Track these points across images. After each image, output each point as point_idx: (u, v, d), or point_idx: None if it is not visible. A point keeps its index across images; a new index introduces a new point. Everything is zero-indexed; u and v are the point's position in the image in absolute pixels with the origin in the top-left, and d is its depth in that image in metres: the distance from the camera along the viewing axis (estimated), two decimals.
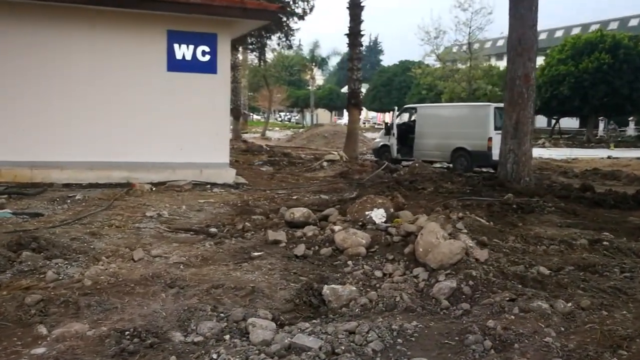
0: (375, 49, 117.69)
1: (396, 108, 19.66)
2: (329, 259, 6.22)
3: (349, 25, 16.73)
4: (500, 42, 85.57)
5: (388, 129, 18.88)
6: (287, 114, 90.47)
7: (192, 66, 11.09)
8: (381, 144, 19.46)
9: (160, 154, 10.79)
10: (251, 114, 69.50)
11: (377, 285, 5.48)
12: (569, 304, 4.56)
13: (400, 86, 65.36)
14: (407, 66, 59.51)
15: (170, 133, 11.01)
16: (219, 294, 4.82)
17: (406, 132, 18.68)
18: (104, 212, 7.88)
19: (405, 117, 19.55)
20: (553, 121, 51.26)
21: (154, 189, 10.10)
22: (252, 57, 33.73)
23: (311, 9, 22.40)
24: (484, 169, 16.58)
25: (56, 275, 5.08)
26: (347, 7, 16.29)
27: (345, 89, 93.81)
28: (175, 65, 11.00)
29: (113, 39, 10.65)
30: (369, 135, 36.29)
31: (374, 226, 6.92)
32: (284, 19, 22.00)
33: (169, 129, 11.00)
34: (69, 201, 8.55)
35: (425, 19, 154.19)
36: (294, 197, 10.61)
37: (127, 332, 3.87)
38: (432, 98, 43.24)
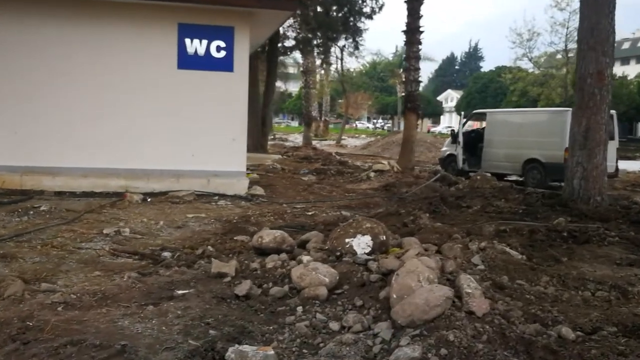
0: (475, 55, 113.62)
1: (462, 114, 17.71)
2: (277, 301, 4.76)
3: (406, 21, 15.10)
4: (626, 45, 79.90)
5: (454, 136, 16.98)
6: (380, 120, 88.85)
7: (205, 63, 9.98)
8: (447, 153, 17.58)
9: (164, 161, 9.74)
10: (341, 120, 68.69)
11: (322, 344, 3.99)
12: None
13: (496, 93, 62.10)
14: (503, 72, 56.33)
15: (178, 138, 9.94)
16: (70, 355, 3.51)
17: (474, 141, 16.72)
18: (58, 228, 6.83)
19: (475, 124, 17.58)
20: None
21: (149, 199, 9.03)
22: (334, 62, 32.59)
23: (380, 8, 20.90)
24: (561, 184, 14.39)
25: None
26: (405, 1, 14.65)
27: (441, 96, 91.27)
28: (186, 62, 9.92)
29: (115, 33, 9.74)
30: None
31: (352, 258, 5.38)
32: (351, 18, 20.66)
33: (176, 133, 9.94)
34: (31, 212, 7.59)
35: (518, 22, 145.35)
36: (310, 213, 9.20)
37: None
38: (525, 105, 40.32)
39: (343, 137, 44.46)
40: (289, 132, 53.78)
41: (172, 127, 9.92)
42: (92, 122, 9.66)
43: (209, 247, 6.24)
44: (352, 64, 72.26)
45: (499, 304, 4.63)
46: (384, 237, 5.79)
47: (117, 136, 9.71)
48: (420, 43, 14.89)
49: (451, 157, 17.11)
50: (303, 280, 4.90)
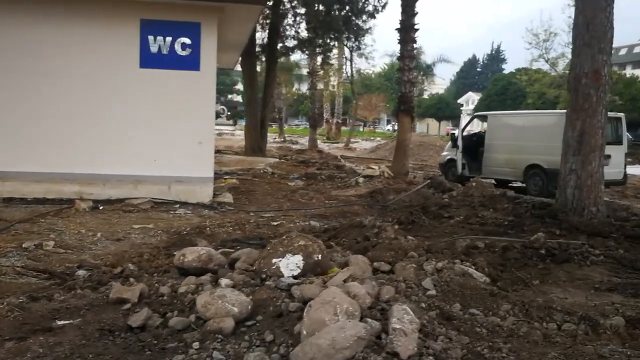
0: (497, 57, 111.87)
1: (463, 116, 16.81)
2: (175, 335, 4.06)
3: (400, 18, 14.28)
4: (638, 49, 78.59)
5: (454, 140, 16.11)
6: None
7: (169, 62, 9.34)
8: (447, 158, 16.69)
9: (123, 166, 9.10)
10: (361, 123, 67.73)
11: None
12: None
13: (516, 95, 60.71)
14: (519, 73, 55.06)
15: (139, 141, 9.30)
16: None
17: (476, 145, 15.83)
18: None
19: (477, 126, 16.68)
20: None
21: (101, 207, 8.41)
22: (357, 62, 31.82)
23: (384, 6, 20.12)
24: None
25: None
26: None
27: (462, 99, 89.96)
28: (149, 60, 9.29)
29: (72, 30, 9.13)
30: None
31: (275, 282, 4.66)
32: (353, 17, 19.92)
33: (137, 136, 9.30)
34: None
35: (535, 22, 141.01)
36: (276, 223, 8.51)
37: None
38: (542, 108, 39.12)
39: (356, 139, 43.68)
40: (305, 135, 53.21)
41: (132, 129, 9.29)
42: (45, 123, 9.07)
43: (130, 265, 5.56)
44: (362, 65, 71.43)
45: (439, 340, 3.90)
46: (319, 256, 5.05)
47: (73, 139, 9.11)
48: (414, 41, 14.05)
49: (451, 162, 16.24)
50: (208, 309, 4.18)
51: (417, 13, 14.04)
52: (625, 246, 7.30)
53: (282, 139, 39.99)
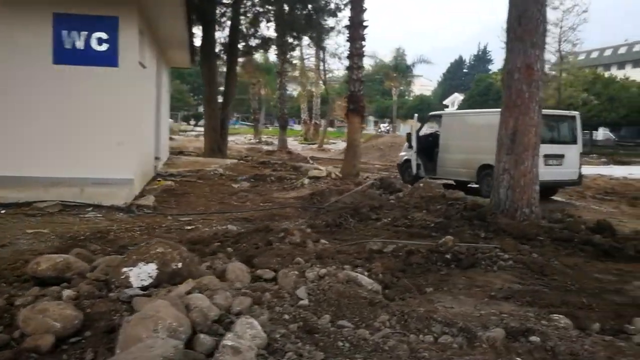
0: (484, 58, 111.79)
1: (416, 116, 16.41)
2: None
3: (349, 15, 13.87)
4: (623, 50, 78.84)
5: (409, 141, 15.72)
6: (386, 124, 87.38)
7: (85, 58, 8.87)
8: (404, 158, 16.31)
9: (34, 167, 8.62)
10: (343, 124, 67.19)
11: None
12: None
13: (498, 96, 60.45)
14: (500, 74, 54.83)
15: (52, 141, 8.83)
16: None
17: (431, 145, 15.44)
18: None
19: (432, 127, 16.29)
20: None
21: (3, 211, 7.94)
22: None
23: (346, 5, 19.67)
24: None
25: None
26: None
27: (448, 100, 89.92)
28: (63, 56, 8.82)
29: None
30: None
31: (117, 294, 4.24)
32: (315, 16, 19.50)
33: (50, 135, 8.83)
34: None
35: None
36: (190, 227, 8.07)
37: None
38: None
39: (335, 140, 43.20)
40: (288, 136, 52.73)
41: (45, 128, 8.81)
42: None
43: None
44: (336, 65, 70.76)
45: (285, 358, 3.54)
46: (179, 264, 4.62)
47: None
48: (363, 39, 13.60)
49: (408, 163, 15.86)
50: (28, 325, 3.76)
51: (365, 9, 13.62)
52: (549, 249, 6.94)
53: (257, 140, 39.51)
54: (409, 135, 16.12)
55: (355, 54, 13.68)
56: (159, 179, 11.96)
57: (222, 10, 19.60)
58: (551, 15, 35.41)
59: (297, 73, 43.02)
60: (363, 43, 13.77)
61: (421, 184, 12.27)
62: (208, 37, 18.83)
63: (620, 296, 5.29)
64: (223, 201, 10.72)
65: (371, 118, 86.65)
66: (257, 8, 20.10)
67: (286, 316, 4.18)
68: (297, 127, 67.31)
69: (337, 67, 46.45)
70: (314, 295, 4.71)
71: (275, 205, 10.35)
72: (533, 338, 4.22)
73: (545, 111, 15.78)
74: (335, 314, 4.43)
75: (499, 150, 8.86)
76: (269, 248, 6.27)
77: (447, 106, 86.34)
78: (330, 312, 4.43)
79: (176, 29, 11.64)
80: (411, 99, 76.03)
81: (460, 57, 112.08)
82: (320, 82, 37.69)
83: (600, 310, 4.94)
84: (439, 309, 4.75)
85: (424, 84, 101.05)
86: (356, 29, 13.55)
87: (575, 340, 4.26)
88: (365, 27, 13.65)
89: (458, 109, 66.65)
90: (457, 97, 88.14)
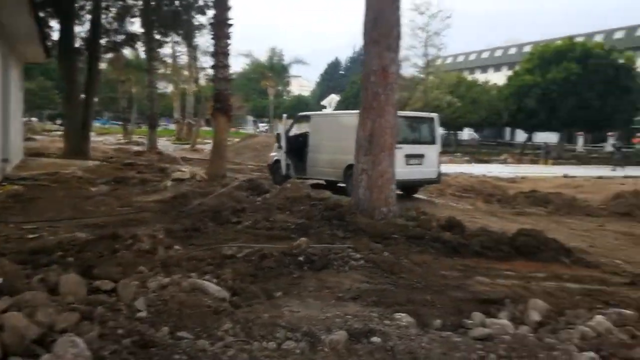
0: (359, 59, 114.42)
1: (285, 116, 16.50)
2: None
3: (214, 12, 13.65)
4: (485, 55, 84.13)
5: (279, 141, 15.73)
6: (265, 124, 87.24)
7: None
8: (275, 159, 16.30)
9: None
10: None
11: None
12: None
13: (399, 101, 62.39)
14: None
15: None
16: None
17: (301, 145, 15.52)
18: None
19: (302, 127, 16.40)
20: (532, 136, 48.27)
21: None
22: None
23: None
24: None
25: None
26: None
27: (325, 101, 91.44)
28: None
29: None
30: None
31: None
32: (182, 13, 18.95)
33: None
34: None
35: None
36: (33, 236, 7.49)
37: None
38: None
39: (208, 140, 42.39)
40: (162, 136, 51.11)
41: None
42: None
43: None
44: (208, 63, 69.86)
45: None
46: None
47: None
48: (229, 37, 13.43)
49: (278, 164, 15.85)
50: None
51: (230, 7, 13.45)
52: (402, 248, 7.10)
53: (127, 140, 37.95)
54: (278, 135, 16.12)
55: (221, 52, 13.44)
56: (4, 184, 11.05)
57: (82, 4, 18.55)
58: (418, 20, 37.17)
59: (169, 70, 41.77)
60: (228, 42, 13.55)
61: (289, 185, 12.24)
62: (67, 32, 17.74)
63: (462, 292, 5.47)
64: (77, 206, 10.07)
65: (250, 117, 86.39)
66: (120, 2, 19.22)
67: (120, 330, 3.93)
68: (172, 127, 65.57)
69: (210, 65, 45.64)
70: (154, 306, 4.48)
71: (133, 209, 9.88)
72: (374, 339, 4.26)
73: (405, 113, 16.54)
74: (176, 325, 4.24)
75: (357, 151, 9.02)
76: (114, 257, 5.93)
77: (324, 107, 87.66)
78: (171, 324, 4.24)
79: (20, 21, 10.76)
80: (289, 98, 76.48)
81: (337, 59, 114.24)
82: (190, 79, 36.92)
83: (442, 307, 5.08)
84: (285, 314, 4.68)
85: (303, 84, 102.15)
86: (221, 28, 13.32)
87: (414, 339, 4.34)
88: (230, 25, 13.44)
89: (335, 109, 68.05)
90: (334, 98, 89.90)
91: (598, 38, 55.23)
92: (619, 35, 62.08)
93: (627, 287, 6.18)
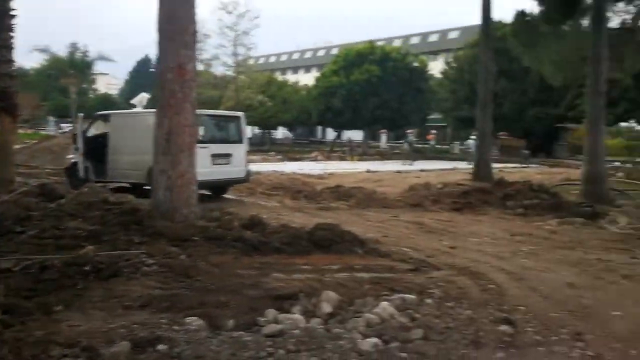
0: None
1: (81, 115, 15.54)
2: None
3: None
4: (296, 56, 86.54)
5: (75, 142, 14.69)
6: (69, 124, 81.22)
7: None
8: (73, 161, 15.20)
9: None
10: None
11: None
12: None
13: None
14: None
15: None
16: None
17: (102, 147, 14.60)
18: None
19: (101, 127, 15.45)
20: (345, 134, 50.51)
21: None
22: None
23: None
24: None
25: None
26: None
27: (135, 99, 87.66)
28: None
29: None
30: None
31: None
32: None
33: None
34: None
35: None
36: None
37: None
38: (207, 109, 39.83)
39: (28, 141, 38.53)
40: None
41: None
42: None
43: None
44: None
45: None
46: None
47: None
48: (11, 30, 12.14)
49: (76, 167, 14.77)
50: None
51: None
52: (202, 250, 6.94)
53: None
54: (75, 136, 15.05)
55: (3, 45, 12.16)
56: None
57: None
58: (226, 19, 37.02)
59: None
60: (11, 34, 12.28)
61: (86, 189, 11.46)
62: None
63: (258, 290, 5.47)
64: None
65: (51, 118, 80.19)
66: None
67: None
68: None
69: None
70: None
71: None
72: (161, 346, 4.09)
73: (211, 112, 16.40)
74: None
75: (156, 151, 8.68)
76: None
77: (134, 105, 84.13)
78: None
79: None
80: (95, 97, 72.20)
81: (147, 56, 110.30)
82: None
83: (237, 307, 5.03)
84: (63, 329, 4.32)
85: (111, 82, 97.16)
86: (2, 19, 12.05)
87: (203, 342, 4.25)
88: (13, 16, 12.19)
89: (145, 107, 65.57)
90: (145, 97, 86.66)
91: (397, 42, 59.61)
92: (414, 40, 67.57)
93: (412, 273, 6.64)
